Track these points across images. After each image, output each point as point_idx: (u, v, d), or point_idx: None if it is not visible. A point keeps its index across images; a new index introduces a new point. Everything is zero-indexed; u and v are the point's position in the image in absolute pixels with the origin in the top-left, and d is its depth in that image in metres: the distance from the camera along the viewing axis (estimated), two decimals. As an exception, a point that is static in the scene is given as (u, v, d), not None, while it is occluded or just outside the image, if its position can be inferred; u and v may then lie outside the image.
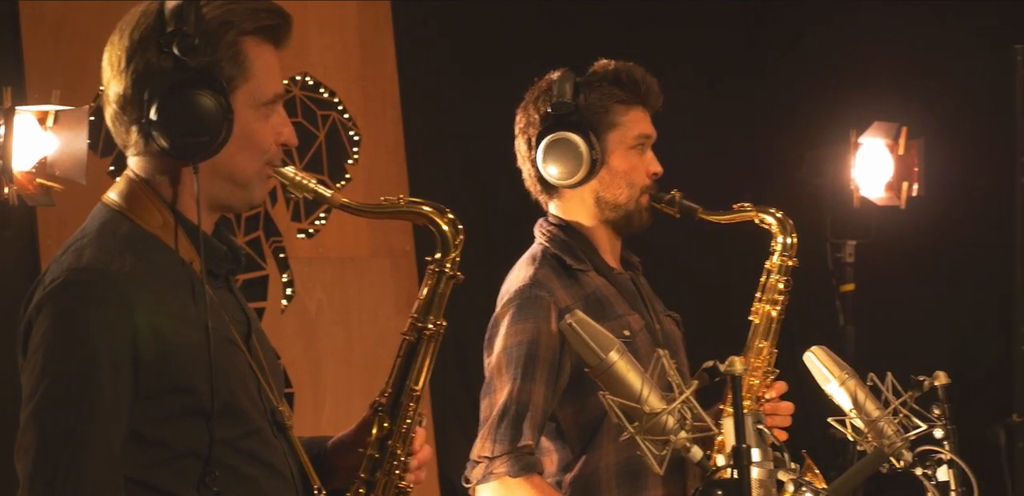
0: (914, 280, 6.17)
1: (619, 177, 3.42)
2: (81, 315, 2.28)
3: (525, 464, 3.26)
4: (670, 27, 6.26)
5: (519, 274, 3.42)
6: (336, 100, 5.70)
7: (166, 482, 2.31)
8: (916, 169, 5.97)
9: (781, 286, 3.48)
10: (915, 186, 5.97)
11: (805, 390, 3.52)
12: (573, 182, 3.41)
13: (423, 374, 2.54)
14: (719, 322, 3.60)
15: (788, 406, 3.45)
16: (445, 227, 2.54)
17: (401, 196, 2.54)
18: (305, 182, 2.48)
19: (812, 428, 3.50)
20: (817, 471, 3.34)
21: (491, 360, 3.36)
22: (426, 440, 2.59)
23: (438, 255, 2.55)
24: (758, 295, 3.47)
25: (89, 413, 2.25)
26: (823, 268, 5.98)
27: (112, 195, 2.42)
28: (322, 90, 5.67)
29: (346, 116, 5.70)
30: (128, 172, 2.43)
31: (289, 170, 2.48)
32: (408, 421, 2.52)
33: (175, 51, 2.33)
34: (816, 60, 6.46)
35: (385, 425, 2.51)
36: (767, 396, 3.37)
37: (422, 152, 5.83)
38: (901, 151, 5.94)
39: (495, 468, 3.26)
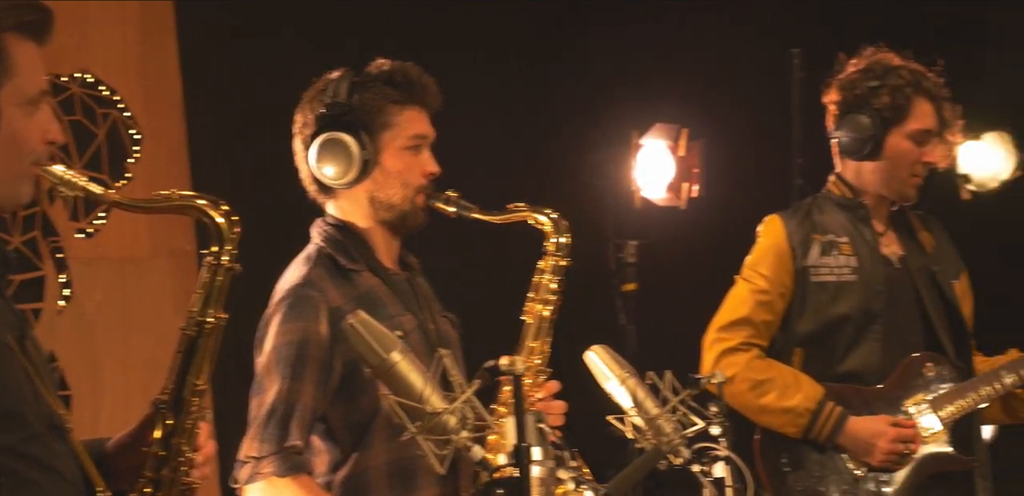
0: (694, 280, 6.27)
1: (392, 177, 3.41)
2: None
3: (292, 464, 3.24)
4: (455, 29, 6.28)
5: (292, 274, 3.40)
6: (117, 98, 5.60)
7: None
8: (696, 170, 6.06)
9: (554, 286, 3.49)
10: (695, 187, 6.06)
11: (586, 389, 3.55)
12: (345, 182, 3.39)
13: (204, 369, 2.52)
14: (498, 323, 3.61)
15: (560, 405, 3.48)
16: (220, 219, 2.51)
17: (174, 190, 2.50)
18: (75, 180, 2.44)
19: (590, 427, 3.53)
20: (586, 470, 3.37)
21: (261, 359, 3.34)
22: (210, 435, 2.56)
23: (214, 248, 2.53)
24: (531, 295, 3.49)
25: None
26: (605, 268, 6.04)
27: None
28: (102, 88, 5.58)
29: (127, 114, 5.61)
30: None
31: (58, 168, 2.43)
32: (192, 417, 2.50)
33: None
34: (598, 62, 6.53)
35: (168, 422, 2.49)
36: (538, 396, 3.39)
37: (206, 151, 5.76)
38: (682, 152, 6.03)
39: (262, 468, 3.23)
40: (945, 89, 4.22)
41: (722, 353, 4.06)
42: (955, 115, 4.25)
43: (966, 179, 6.35)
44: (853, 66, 4.24)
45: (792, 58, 6.09)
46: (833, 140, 4.27)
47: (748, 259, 4.19)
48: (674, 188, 6.05)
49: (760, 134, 6.42)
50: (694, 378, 3.62)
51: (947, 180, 6.39)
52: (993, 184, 6.26)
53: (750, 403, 4.01)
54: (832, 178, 4.28)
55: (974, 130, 6.24)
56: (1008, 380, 4.09)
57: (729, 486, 3.58)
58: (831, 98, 4.25)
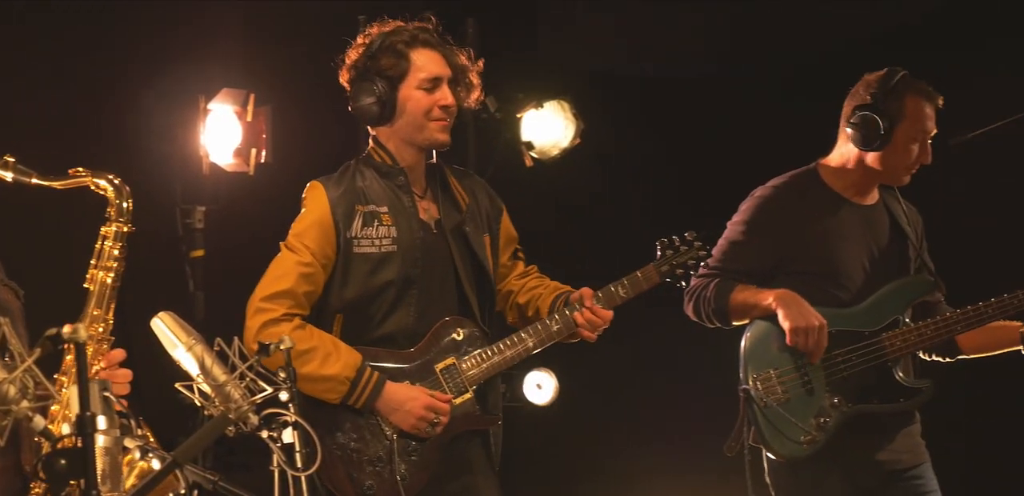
0: (262, 246, 6.24)
1: None
2: None
3: None
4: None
5: None
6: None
7: None
8: (264, 136, 6.04)
9: (116, 253, 3.44)
10: (263, 153, 6.03)
11: (154, 356, 3.50)
12: None
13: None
14: (60, 291, 3.52)
15: (126, 373, 3.43)
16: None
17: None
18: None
19: (159, 395, 3.49)
20: (152, 439, 3.33)
21: None
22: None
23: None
24: (93, 262, 3.42)
25: None
26: (173, 234, 5.96)
27: None
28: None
29: None
30: None
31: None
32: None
33: None
34: (164, 25, 6.41)
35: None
36: (100, 364, 3.33)
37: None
38: (249, 118, 5.99)
39: None
40: (446, 36, 4.30)
41: (264, 324, 4.08)
42: (471, 59, 4.33)
43: (529, 146, 6.54)
44: (352, 48, 4.31)
45: (359, 24, 6.14)
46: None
47: (295, 227, 4.20)
48: (242, 154, 6.00)
49: (328, 100, 6.43)
50: (263, 344, 3.61)
51: (511, 148, 6.57)
52: (555, 152, 6.47)
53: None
54: (371, 143, 4.32)
55: (535, 100, 6.43)
56: (531, 343, 4.23)
57: (299, 452, 3.59)
58: (344, 77, 4.31)
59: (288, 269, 4.14)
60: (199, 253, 5.97)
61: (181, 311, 3.33)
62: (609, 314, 4.24)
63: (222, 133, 5.96)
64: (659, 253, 4.31)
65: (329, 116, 6.39)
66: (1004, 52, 6.74)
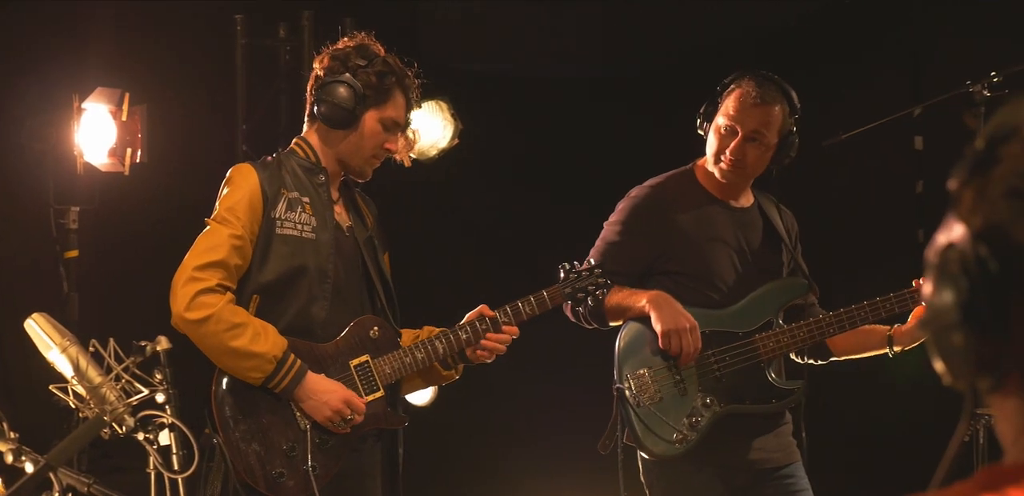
0: (137, 246, 6.20)
1: None
2: None
3: None
4: None
5: None
6: None
7: None
8: (139, 136, 5.99)
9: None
10: (139, 152, 5.99)
11: (28, 358, 3.47)
12: None
13: None
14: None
15: None
16: None
17: None
18: None
19: (33, 397, 3.46)
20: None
21: None
22: None
23: None
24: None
25: None
26: (47, 234, 5.89)
27: None
28: None
29: None
30: None
31: None
32: None
33: None
34: (38, 23, 6.34)
35: None
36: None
37: None
38: (124, 117, 5.94)
39: None
40: (417, 89, 4.41)
41: (199, 292, 4.04)
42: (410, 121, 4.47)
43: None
44: (344, 43, 4.35)
45: (236, 24, 6.12)
46: (309, 103, 4.33)
47: (223, 202, 4.19)
48: (117, 153, 5.95)
49: (205, 100, 6.41)
50: (138, 346, 3.59)
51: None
52: (433, 152, 6.48)
53: (221, 344, 4.01)
54: (297, 140, 4.34)
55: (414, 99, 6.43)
56: (440, 348, 4.29)
57: (175, 454, 3.58)
58: (322, 64, 4.33)
59: (221, 241, 4.12)
60: (73, 254, 5.91)
61: (55, 312, 3.32)
62: (515, 330, 4.33)
63: (96, 132, 5.91)
64: (562, 275, 4.38)
65: (205, 116, 6.37)
66: (878, 54, 6.86)
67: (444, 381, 4.49)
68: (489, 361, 4.36)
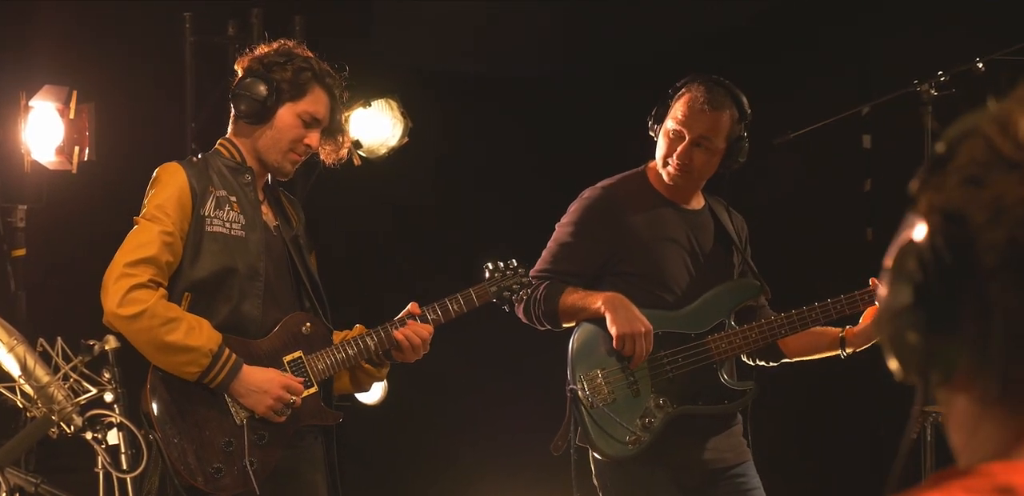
0: (85, 245, 6.16)
1: None
2: None
3: None
4: None
5: None
6: None
7: None
8: (88, 133, 5.96)
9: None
10: (86, 151, 5.95)
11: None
12: None
13: None
14: None
15: None
16: None
17: None
18: None
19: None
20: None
21: None
22: None
23: None
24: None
25: None
26: (-7, 233, 5.85)
27: None
28: None
29: None
30: None
31: None
32: None
33: None
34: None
35: None
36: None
37: None
38: (72, 115, 5.90)
39: None
40: (342, 92, 4.40)
41: (132, 288, 4.02)
42: (342, 125, 4.46)
43: (357, 145, 6.54)
44: (266, 47, 4.36)
45: (184, 22, 6.08)
46: (232, 103, 4.32)
47: (153, 200, 4.17)
48: (64, 151, 5.91)
49: (153, 97, 6.37)
50: (86, 345, 3.57)
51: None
52: (383, 150, 6.46)
53: (156, 339, 3.99)
54: (222, 141, 4.34)
55: (363, 98, 6.42)
56: (371, 344, 4.30)
57: (124, 453, 3.56)
58: (242, 63, 4.34)
59: (152, 237, 4.11)
60: (20, 252, 5.87)
61: (2, 311, 3.29)
62: (429, 328, 4.34)
63: (44, 130, 5.87)
64: (487, 275, 4.41)
65: (154, 113, 6.33)
66: (826, 54, 6.89)
67: (373, 381, 4.49)
68: (411, 361, 4.38)
